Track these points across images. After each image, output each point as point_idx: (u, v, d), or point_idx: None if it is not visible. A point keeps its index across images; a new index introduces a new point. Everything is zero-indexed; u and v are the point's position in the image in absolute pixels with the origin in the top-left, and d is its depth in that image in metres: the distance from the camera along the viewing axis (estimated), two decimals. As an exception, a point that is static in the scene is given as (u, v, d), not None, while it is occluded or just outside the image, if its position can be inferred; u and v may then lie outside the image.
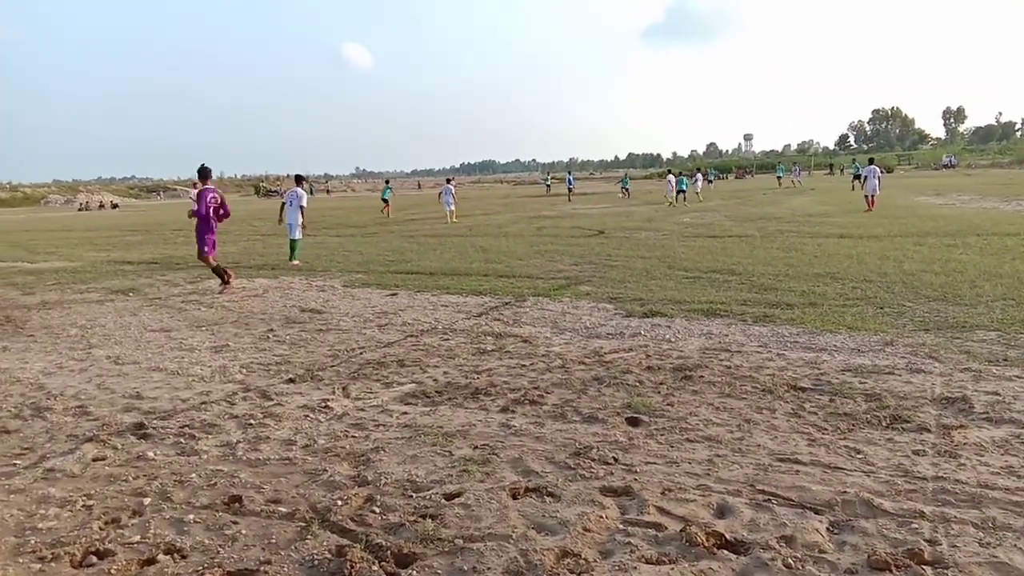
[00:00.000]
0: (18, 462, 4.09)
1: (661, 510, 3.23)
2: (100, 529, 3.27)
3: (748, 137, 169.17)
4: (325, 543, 3.07)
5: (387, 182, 38.04)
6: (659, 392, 4.92)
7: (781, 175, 50.02)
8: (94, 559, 3.04)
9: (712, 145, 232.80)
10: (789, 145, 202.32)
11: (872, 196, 22.23)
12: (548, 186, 54.54)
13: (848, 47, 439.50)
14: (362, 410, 4.84)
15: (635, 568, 2.77)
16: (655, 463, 3.74)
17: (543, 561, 2.83)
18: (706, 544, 2.92)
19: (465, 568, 2.82)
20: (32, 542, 3.16)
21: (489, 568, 2.81)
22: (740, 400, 4.68)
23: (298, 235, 13.55)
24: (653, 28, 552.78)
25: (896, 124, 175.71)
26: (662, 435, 4.13)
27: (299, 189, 13.83)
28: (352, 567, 2.85)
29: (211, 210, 10.17)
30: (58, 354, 6.63)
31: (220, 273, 10.22)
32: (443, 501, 3.42)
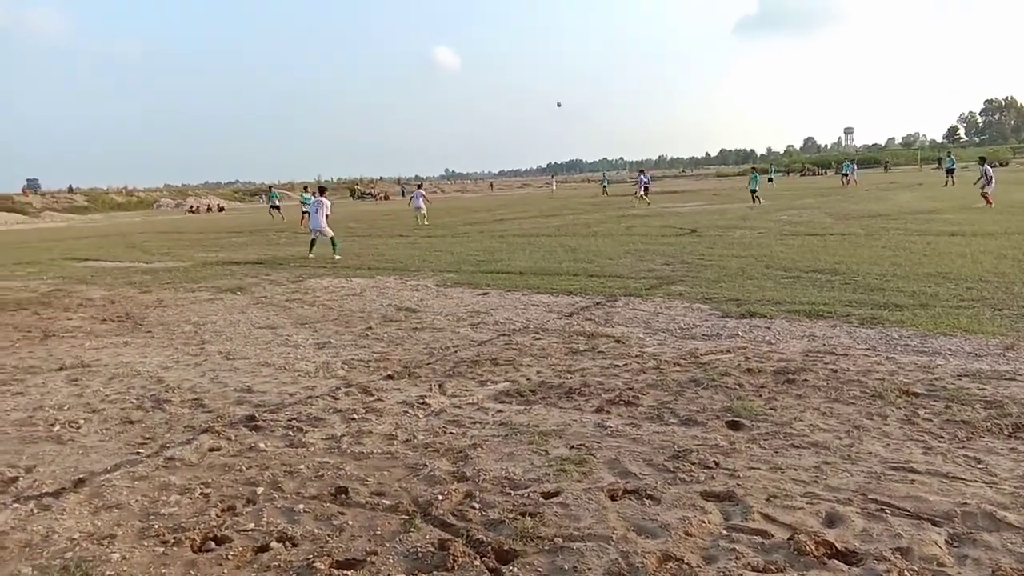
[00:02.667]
0: (141, 451, 4.38)
1: (766, 517, 3.14)
2: (217, 516, 3.46)
3: (848, 131, 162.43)
4: (427, 536, 3.14)
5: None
6: (760, 396, 4.78)
7: (848, 172, 46.92)
8: (212, 544, 3.22)
9: (810, 139, 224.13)
10: (893, 139, 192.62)
11: (986, 193, 21.02)
12: (605, 187, 53.38)
13: (958, 34, 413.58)
14: (458, 407, 4.93)
15: (741, 575, 2.71)
16: (758, 469, 3.64)
17: (645, 564, 2.81)
18: (816, 553, 2.82)
19: (566, 567, 2.83)
20: (155, 527, 3.37)
21: (590, 568, 2.81)
22: (848, 405, 4.49)
23: (329, 231, 15.53)
24: (746, 21, 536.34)
25: (1011, 115, 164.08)
26: (765, 440, 4.01)
27: (324, 199, 16.20)
28: (454, 561, 2.91)
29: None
30: (174, 349, 7.06)
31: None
32: (541, 499, 3.44)
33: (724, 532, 3.04)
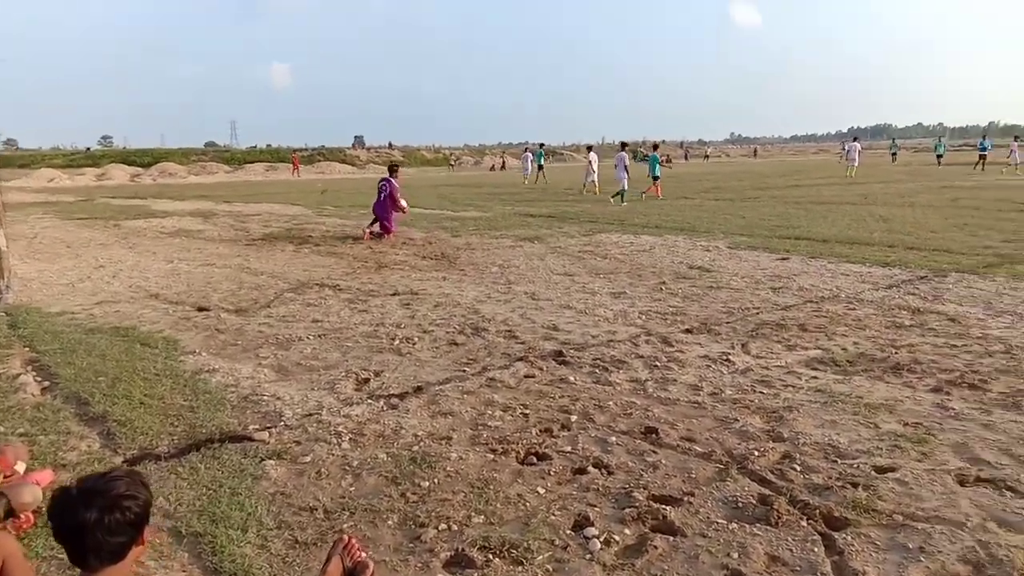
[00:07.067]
0: (466, 369, 4.83)
1: None
2: (537, 435, 3.70)
3: None
4: (746, 488, 3.05)
5: (541, 145, 35.50)
6: None
7: (942, 153, 39.68)
8: (534, 459, 3.45)
9: None
10: None
11: None
12: (893, 154, 47.46)
13: None
14: (766, 368, 4.71)
15: None
16: None
17: (1011, 559, 2.44)
18: None
19: (911, 546, 2.56)
20: (484, 436, 3.70)
21: (940, 551, 2.52)
22: None
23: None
24: None
25: None
26: None
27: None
28: (779, 517, 2.79)
29: (385, 196, 12.15)
30: (485, 287, 7.67)
31: (381, 236, 12.03)
32: (873, 473, 3.15)
33: (1121, 545, 2.53)
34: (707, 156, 79.89)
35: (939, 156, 39.91)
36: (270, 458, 3.46)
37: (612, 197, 18.87)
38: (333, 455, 3.51)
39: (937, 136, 56.55)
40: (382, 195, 12.23)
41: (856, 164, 30.56)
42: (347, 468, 3.36)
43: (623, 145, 21.94)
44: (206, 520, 2.88)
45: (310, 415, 4.04)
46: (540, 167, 33.06)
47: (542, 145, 36.59)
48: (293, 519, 2.91)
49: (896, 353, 4.92)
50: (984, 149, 34.00)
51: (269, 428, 3.83)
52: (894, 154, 48.90)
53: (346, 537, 2.33)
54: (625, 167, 19.64)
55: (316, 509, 2.99)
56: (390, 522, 2.87)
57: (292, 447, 3.60)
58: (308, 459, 3.47)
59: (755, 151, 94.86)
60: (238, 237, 12.72)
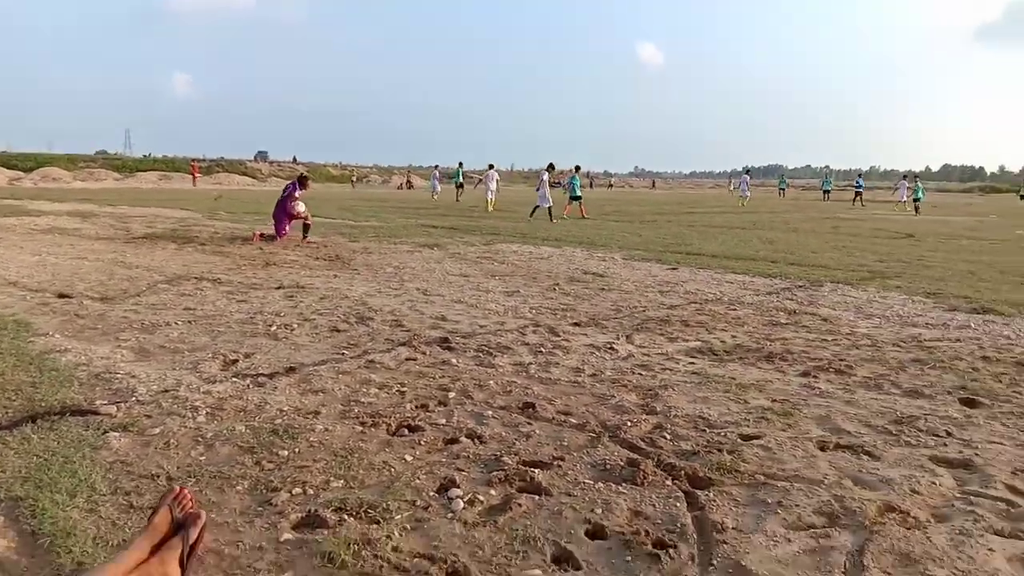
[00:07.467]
0: (346, 352, 4.64)
1: (1013, 489, 2.69)
2: (412, 410, 3.56)
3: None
4: (616, 454, 3.02)
5: (460, 164, 35.26)
6: (1000, 381, 4.15)
7: (828, 189, 43.70)
8: (406, 431, 3.30)
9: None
10: None
11: None
12: (782, 189, 50.85)
13: None
14: (647, 355, 4.75)
15: (982, 536, 2.32)
16: (1002, 443, 3.14)
17: (863, 510, 2.49)
18: (1082, 532, 2.35)
19: (769, 501, 2.58)
20: (355, 411, 3.53)
21: (798, 505, 2.54)
22: (1123, 402, 3.77)
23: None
24: (987, 29, 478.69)
25: None
26: (1009, 419, 3.46)
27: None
28: (644, 477, 2.76)
29: (285, 198, 11.80)
30: (377, 283, 7.47)
31: (273, 239, 11.56)
32: (739, 440, 3.19)
33: (959, 495, 2.64)
34: (611, 185, 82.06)
35: (826, 191, 42.62)
36: (115, 430, 3.17)
37: (530, 216, 19.07)
38: (186, 427, 3.25)
39: (824, 173, 60.12)
40: (284, 195, 11.86)
41: (748, 196, 32.22)
42: (200, 439, 3.11)
43: (550, 166, 21.86)
44: (30, 486, 2.59)
45: (166, 391, 3.74)
46: (459, 185, 32.74)
47: (461, 164, 35.70)
48: (130, 485, 2.64)
49: (770, 344, 5.07)
50: (859, 187, 36.86)
51: (119, 403, 3.52)
52: (782, 189, 51.93)
53: (177, 488, 2.13)
54: (548, 186, 19.90)
55: (159, 476, 2.73)
56: (239, 487, 2.66)
57: (141, 420, 3.31)
58: (157, 431, 3.20)
59: (653, 183, 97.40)
60: (117, 235, 11.97)
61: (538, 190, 20.12)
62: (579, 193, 21.11)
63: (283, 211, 11.80)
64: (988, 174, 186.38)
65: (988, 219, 25.46)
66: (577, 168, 23.00)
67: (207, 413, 3.42)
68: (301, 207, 11.98)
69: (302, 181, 12.34)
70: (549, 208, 19.09)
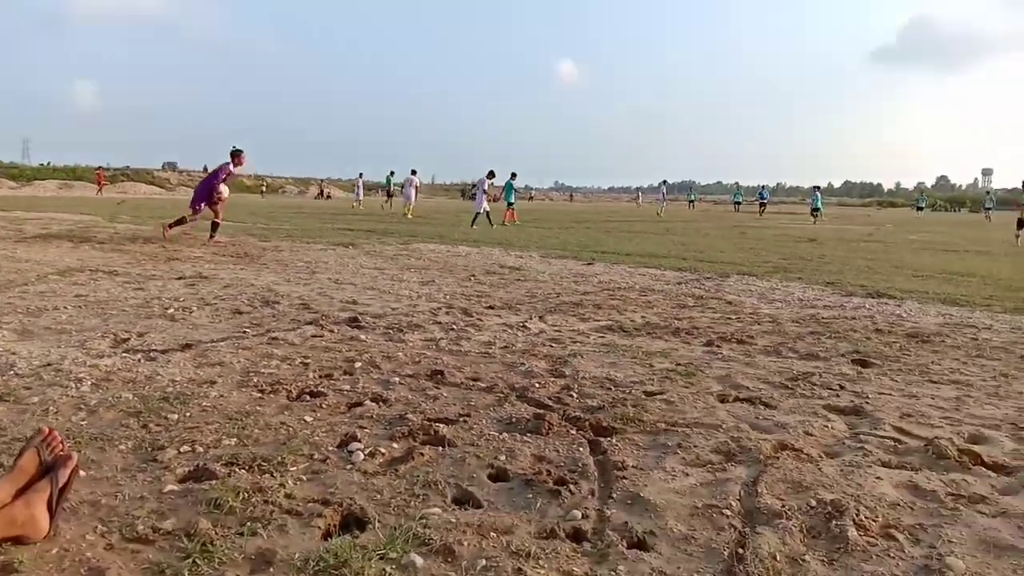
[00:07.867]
0: (248, 330, 4.46)
1: (900, 430, 2.81)
2: (315, 379, 3.44)
3: (987, 172, 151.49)
4: (523, 411, 3.00)
5: (391, 172, 34.87)
6: (891, 348, 4.37)
7: (739, 200, 44.91)
8: (307, 397, 3.19)
9: (943, 178, 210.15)
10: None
11: None
12: (691, 201, 53.04)
13: None
14: (558, 331, 4.77)
15: (870, 468, 2.41)
16: (890, 395, 3.29)
17: (759, 448, 2.55)
18: (959, 459, 2.47)
19: (670, 444, 2.61)
20: (254, 380, 3.39)
21: (696, 447, 2.58)
22: (994, 360, 4.03)
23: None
24: (883, 52, 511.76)
25: None
26: (898, 375, 3.64)
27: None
28: (549, 428, 2.75)
29: (213, 176, 11.18)
30: (287, 275, 7.25)
31: (182, 221, 11.16)
32: (643, 396, 3.23)
33: (850, 435, 2.74)
34: (531, 198, 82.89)
35: (737, 203, 44.28)
36: (-14, 401, 2.93)
37: (472, 225, 18.71)
38: (68, 396, 3.04)
39: (733, 190, 62.47)
40: (216, 171, 11.21)
41: (664, 205, 33.26)
42: (82, 407, 2.91)
43: (490, 173, 20.96)
44: None
45: (48, 365, 3.50)
46: (390, 195, 32.14)
47: (392, 173, 35.04)
48: (2, 446, 2.44)
49: (678, 323, 5.19)
50: (763, 199, 38.70)
51: (-8, 377, 3.27)
52: (691, 201, 53.65)
53: (46, 429, 1.97)
54: (484, 193, 19.76)
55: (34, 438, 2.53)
56: (122, 447, 2.49)
57: (19, 391, 3.08)
58: (36, 400, 2.97)
59: (571, 196, 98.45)
60: (8, 236, 11.23)
61: (473, 197, 20.19)
62: (512, 200, 21.34)
63: (206, 188, 11.13)
64: (885, 190, 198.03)
65: (884, 227, 27.00)
66: (513, 175, 23.07)
67: (92, 384, 3.22)
68: (225, 192, 11.32)
69: (235, 156, 11.20)
70: (487, 212, 19.16)
